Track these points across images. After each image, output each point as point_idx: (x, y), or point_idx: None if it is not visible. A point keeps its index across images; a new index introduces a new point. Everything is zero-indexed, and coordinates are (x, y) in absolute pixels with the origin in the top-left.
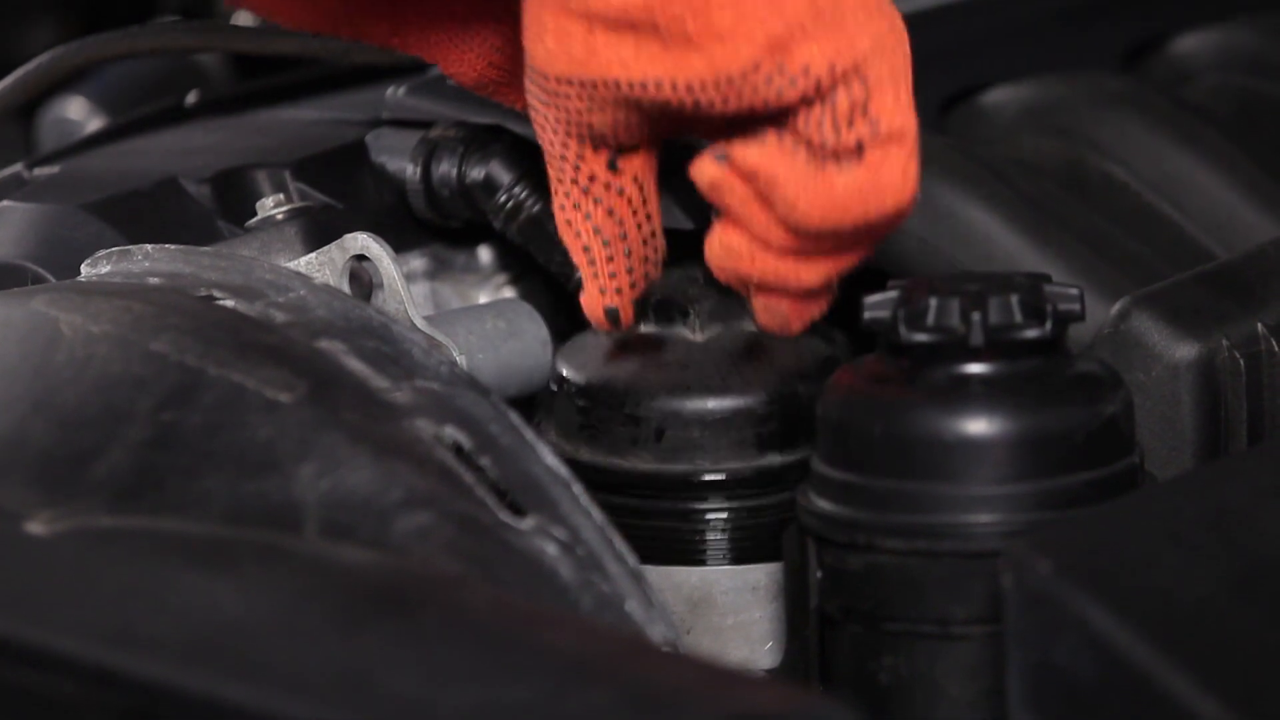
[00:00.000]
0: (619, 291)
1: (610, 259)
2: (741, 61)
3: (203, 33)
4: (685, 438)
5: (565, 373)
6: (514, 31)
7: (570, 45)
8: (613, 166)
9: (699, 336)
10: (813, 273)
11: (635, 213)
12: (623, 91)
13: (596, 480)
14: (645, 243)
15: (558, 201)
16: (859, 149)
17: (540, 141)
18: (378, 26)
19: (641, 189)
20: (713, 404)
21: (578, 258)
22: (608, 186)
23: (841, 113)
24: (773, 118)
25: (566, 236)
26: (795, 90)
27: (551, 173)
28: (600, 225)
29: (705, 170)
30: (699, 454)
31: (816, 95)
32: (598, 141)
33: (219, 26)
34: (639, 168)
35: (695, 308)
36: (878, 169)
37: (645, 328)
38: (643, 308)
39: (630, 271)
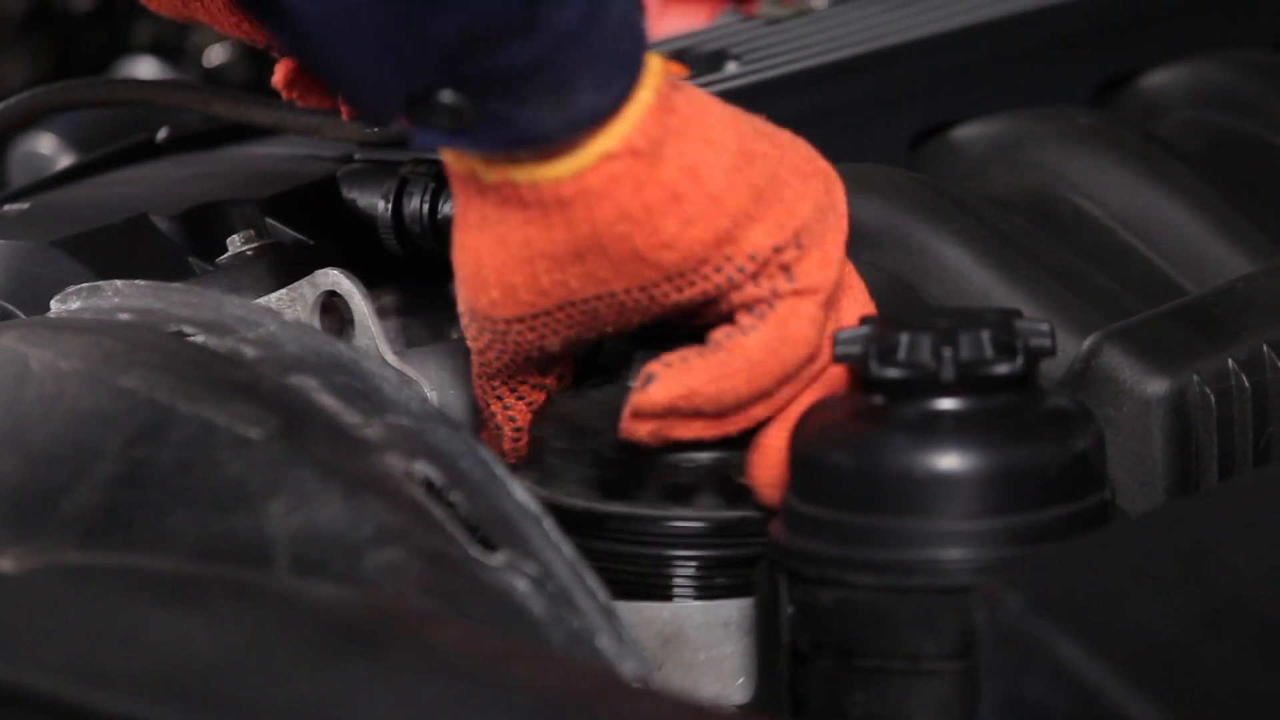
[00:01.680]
0: (515, 452)
1: (515, 438)
2: (692, 260)
3: (182, 92)
4: (658, 485)
5: (541, 421)
6: None
7: (516, 290)
8: (543, 373)
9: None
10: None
11: (548, 400)
12: (578, 308)
13: (569, 524)
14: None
15: (478, 384)
16: (769, 299)
17: (475, 360)
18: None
19: (561, 379)
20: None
21: (487, 420)
22: (534, 386)
23: (768, 273)
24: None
25: (480, 400)
26: (744, 275)
27: (478, 369)
28: (515, 414)
29: (638, 432)
30: (672, 502)
31: (760, 269)
32: (539, 360)
33: (196, 88)
34: (565, 366)
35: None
36: (784, 323)
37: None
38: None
39: (527, 444)
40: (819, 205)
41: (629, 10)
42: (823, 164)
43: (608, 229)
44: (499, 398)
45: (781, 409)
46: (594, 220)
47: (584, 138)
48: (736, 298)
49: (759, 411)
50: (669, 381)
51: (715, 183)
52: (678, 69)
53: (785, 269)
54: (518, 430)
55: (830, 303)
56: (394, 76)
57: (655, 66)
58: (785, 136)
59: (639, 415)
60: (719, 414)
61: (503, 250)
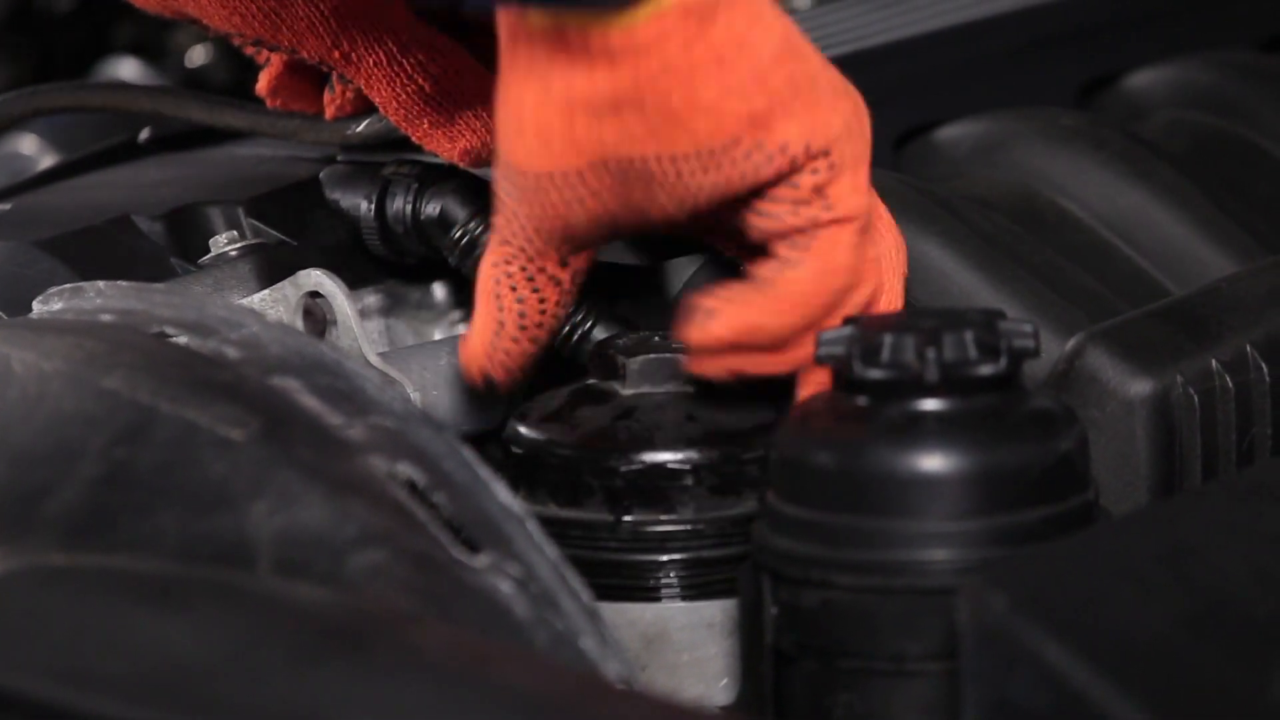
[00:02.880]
0: (505, 367)
1: (515, 338)
2: (724, 135)
3: (156, 97)
4: (642, 489)
5: (521, 429)
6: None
7: (551, 139)
8: (563, 262)
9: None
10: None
11: (559, 302)
12: (609, 172)
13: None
14: (555, 320)
15: (492, 273)
16: (809, 230)
17: (497, 228)
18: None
19: (574, 280)
20: (670, 456)
21: (485, 321)
22: (550, 277)
23: (802, 193)
24: (743, 199)
25: (482, 299)
26: (771, 167)
27: (499, 251)
28: (526, 309)
29: (709, 368)
30: (655, 506)
31: (789, 172)
32: (562, 239)
33: (171, 92)
34: (583, 261)
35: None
36: (826, 254)
37: (591, 381)
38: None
39: (531, 341)
40: (849, 124)
41: None
42: (854, 90)
43: (650, 82)
44: (512, 286)
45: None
46: (638, 72)
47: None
48: (772, 225)
49: (810, 345)
50: (729, 316)
51: (761, 60)
52: None
53: (820, 193)
54: (522, 330)
55: (865, 228)
56: None
57: None
58: (821, 56)
59: (704, 350)
60: (776, 347)
61: (544, 95)
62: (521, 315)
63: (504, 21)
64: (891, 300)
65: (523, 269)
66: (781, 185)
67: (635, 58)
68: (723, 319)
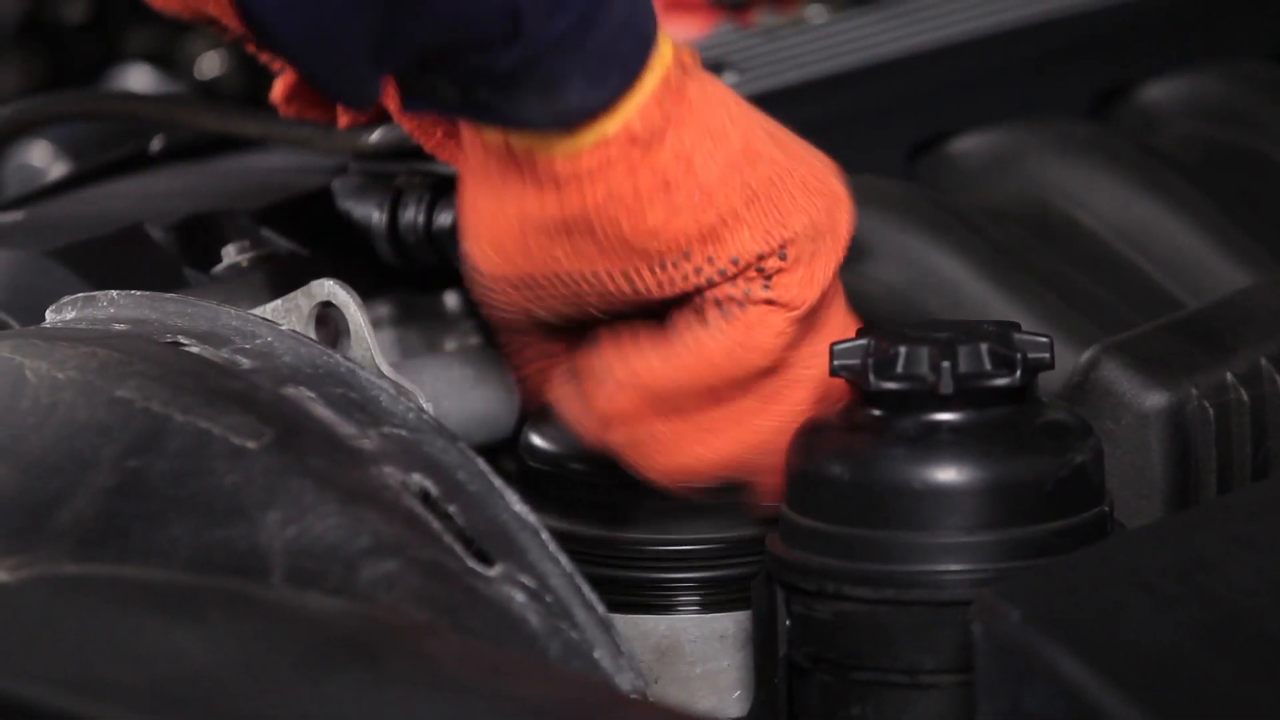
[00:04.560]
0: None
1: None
2: (674, 254)
3: (167, 105)
4: (654, 508)
5: (536, 443)
6: None
7: (505, 250)
8: (547, 338)
9: None
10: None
11: (570, 345)
12: (563, 282)
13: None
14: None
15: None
16: (741, 302)
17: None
18: None
19: (570, 352)
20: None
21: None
22: (540, 352)
23: (748, 278)
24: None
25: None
26: (725, 278)
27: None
28: (529, 375)
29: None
30: (668, 524)
31: (741, 273)
32: (534, 327)
33: (184, 101)
34: (572, 339)
35: None
36: (749, 330)
37: None
38: None
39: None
40: (815, 223)
41: (632, 10)
42: (835, 186)
43: (597, 211)
44: (507, 356)
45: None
46: (585, 200)
47: (583, 124)
48: (709, 292)
49: (743, 432)
50: (628, 381)
51: (709, 176)
52: (689, 57)
53: (765, 276)
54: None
55: (806, 321)
56: (371, 72)
57: (667, 53)
58: (802, 148)
59: (609, 424)
60: (674, 410)
61: (499, 210)
62: (523, 379)
63: (464, 126)
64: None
65: (510, 343)
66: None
67: (580, 185)
68: (625, 380)
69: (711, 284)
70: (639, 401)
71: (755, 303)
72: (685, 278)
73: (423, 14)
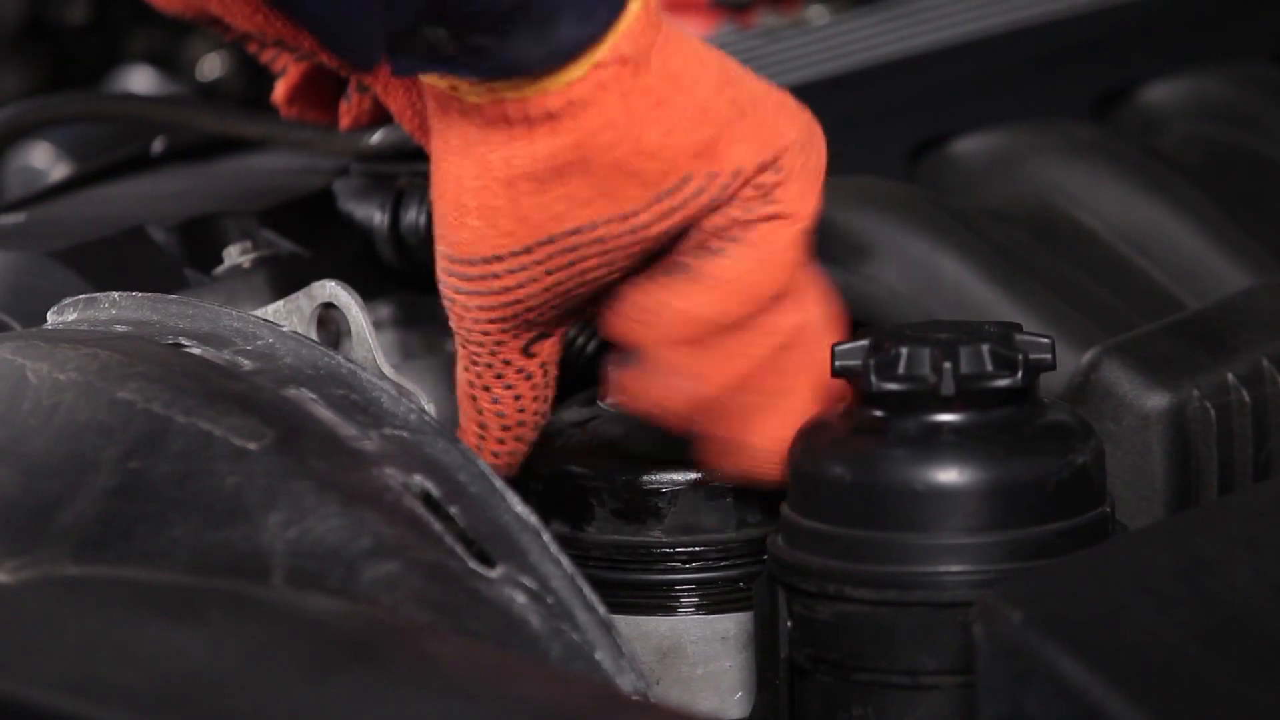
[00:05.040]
0: (496, 455)
1: (501, 439)
2: (675, 176)
3: (169, 107)
4: (659, 509)
5: (542, 448)
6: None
7: (497, 219)
8: (527, 353)
9: None
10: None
11: (537, 397)
12: (558, 245)
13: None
14: (537, 415)
15: (464, 376)
16: (748, 222)
17: (454, 327)
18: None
19: (546, 373)
20: (684, 476)
21: (468, 426)
22: (519, 371)
23: (746, 197)
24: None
25: (464, 404)
26: (726, 194)
27: (462, 353)
28: (504, 409)
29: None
30: (671, 526)
31: (742, 189)
32: (519, 325)
33: (186, 102)
34: (550, 352)
35: None
36: (764, 244)
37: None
38: None
39: (518, 440)
40: (801, 135)
41: None
42: (806, 111)
43: (591, 139)
44: (485, 387)
45: (761, 355)
46: (579, 130)
47: (570, 60)
48: (708, 223)
49: (745, 356)
50: (657, 314)
51: (701, 92)
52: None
53: (765, 193)
54: (505, 429)
55: (808, 236)
56: (376, 15)
57: None
58: (766, 82)
59: (654, 353)
60: (714, 350)
61: (485, 171)
62: (501, 415)
63: (432, 100)
64: (822, 365)
65: (489, 366)
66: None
67: (575, 116)
68: (654, 313)
69: (715, 205)
70: (666, 337)
71: (762, 219)
72: (685, 202)
73: None
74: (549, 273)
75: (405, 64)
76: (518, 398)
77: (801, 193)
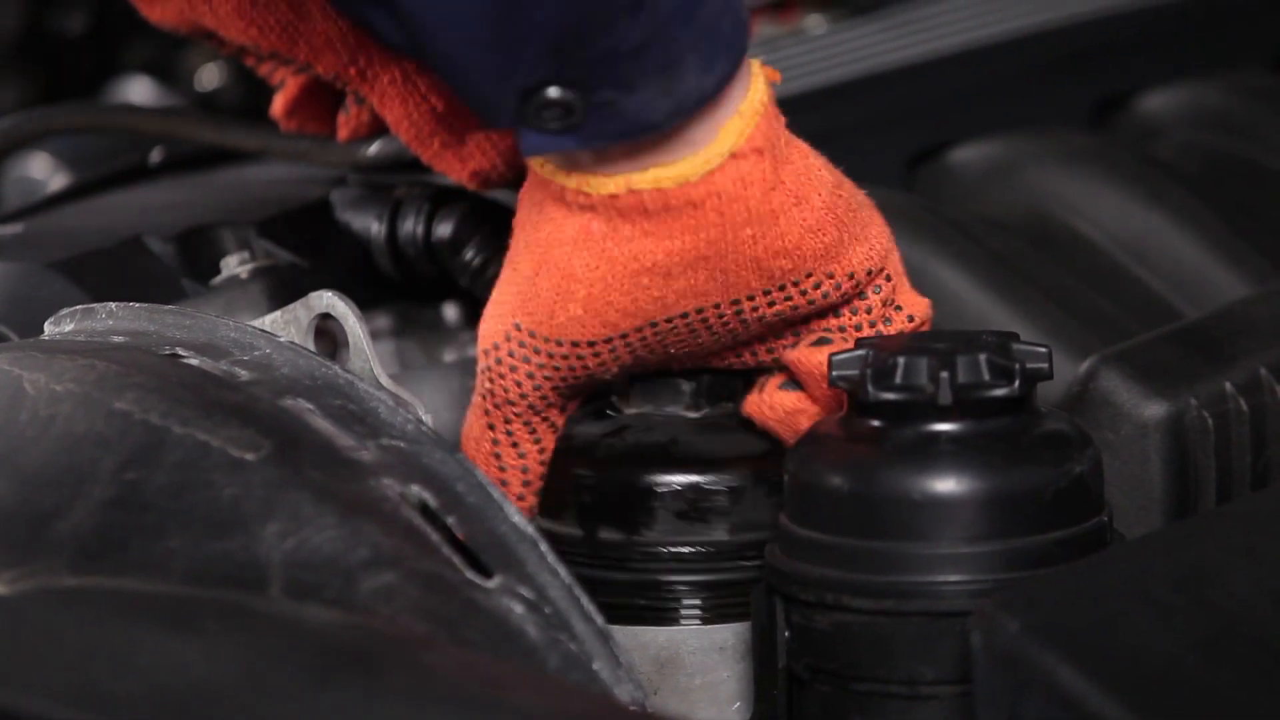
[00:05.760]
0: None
1: (520, 494)
2: (798, 273)
3: (166, 118)
4: (660, 511)
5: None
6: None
7: (607, 312)
8: (563, 409)
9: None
10: None
11: (554, 443)
12: (659, 329)
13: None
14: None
15: (488, 435)
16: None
17: (497, 390)
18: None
19: (565, 418)
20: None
21: (490, 474)
22: (551, 426)
23: (876, 308)
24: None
25: (484, 461)
26: (839, 293)
27: (501, 413)
28: (528, 463)
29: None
30: (672, 528)
31: (854, 295)
32: (576, 391)
33: (184, 114)
34: (576, 402)
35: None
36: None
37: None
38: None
39: (535, 494)
40: (889, 240)
41: None
42: (879, 214)
43: (734, 232)
44: (514, 444)
45: None
46: (724, 223)
47: (698, 138)
48: (823, 324)
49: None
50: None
51: (828, 193)
52: (773, 74)
53: (889, 305)
54: (528, 482)
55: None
56: (503, 66)
57: (756, 67)
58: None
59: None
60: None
61: (605, 266)
62: (524, 470)
63: (544, 185)
64: None
65: (527, 424)
66: (845, 308)
67: (720, 208)
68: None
69: (825, 303)
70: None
71: (887, 318)
72: (802, 294)
73: None
74: (633, 351)
75: (534, 141)
76: (542, 450)
77: (913, 291)
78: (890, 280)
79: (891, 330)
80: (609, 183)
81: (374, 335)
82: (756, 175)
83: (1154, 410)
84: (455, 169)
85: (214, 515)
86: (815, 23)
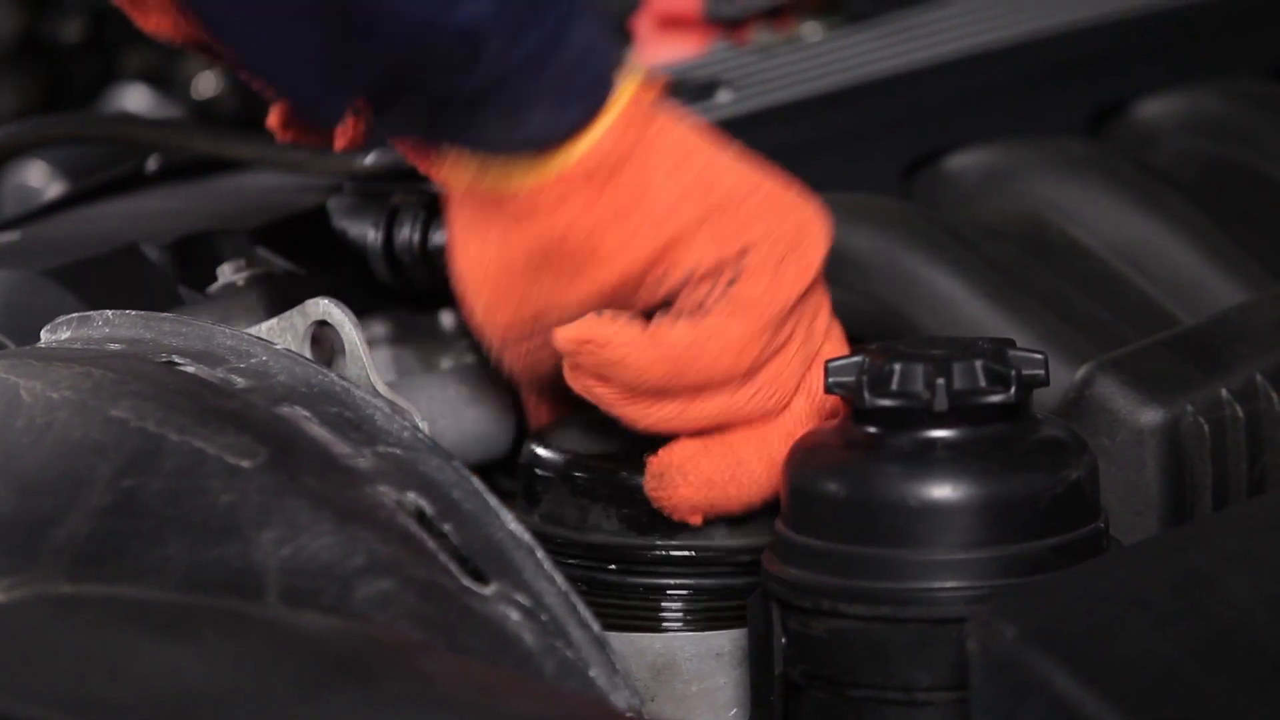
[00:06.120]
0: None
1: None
2: (631, 278)
3: (162, 129)
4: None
5: (539, 451)
6: None
7: (496, 290)
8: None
9: None
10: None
11: None
12: (536, 323)
13: (562, 553)
14: None
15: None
16: (706, 306)
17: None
18: None
19: None
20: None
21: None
22: (558, 401)
23: (704, 288)
24: None
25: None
26: (680, 287)
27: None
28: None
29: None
30: (664, 530)
31: (703, 280)
32: (551, 381)
33: (180, 125)
34: None
35: None
36: (712, 329)
37: None
38: None
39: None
40: (778, 235)
41: (594, 38)
42: (805, 207)
43: (558, 244)
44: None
45: (698, 428)
46: (545, 231)
47: (548, 150)
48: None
49: (665, 412)
50: (585, 324)
51: (663, 203)
52: (653, 90)
53: (729, 282)
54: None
55: (770, 330)
56: (333, 93)
57: (629, 88)
58: (769, 175)
59: (561, 336)
60: (628, 389)
61: (484, 254)
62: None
63: (441, 173)
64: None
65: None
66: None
67: (548, 218)
68: (580, 324)
69: (670, 297)
70: (615, 386)
71: (715, 309)
72: (645, 288)
73: (378, 39)
74: (547, 346)
75: (386, 128)
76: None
77: (768, 287)
78: (738, 268)
79: (709, 312)
80: (466, 177)
81: (370, 342)
82: (578, 194)
83: (1150, 416)
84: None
85: (210, 522)
86: (812, 30)
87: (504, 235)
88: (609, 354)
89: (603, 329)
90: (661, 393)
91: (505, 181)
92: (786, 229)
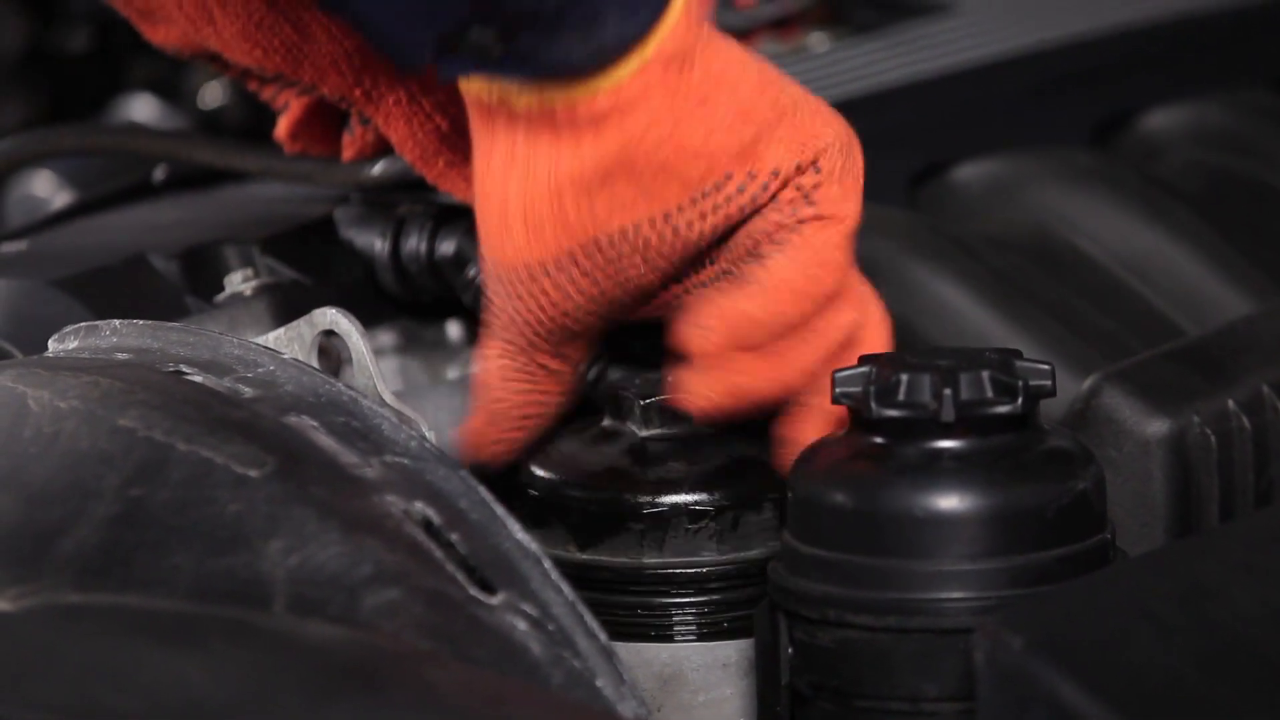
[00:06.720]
0: (496, 444)
1: (518, 428)
2: (716, 175)
3: (169, 140)
4: (655, 531)
5: (535, 470)
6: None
7: (542, 227)
8: (559, 354)
9: (646, 431)
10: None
11: (563, 395)
12: (603, 252)
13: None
14: (552, 413)
15: (490, 365)
16: (792, 225)
17: (490, 324)
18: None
19: (577, 376)
20: (685, 498)
21: (480, 410)
22: (550, 373)
23: (788, 200)
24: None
25: (483, 391)
26: (766, 194)
27: (494, 346)
28: (526, 406)
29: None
30: (669, 547)
31: (782, 190)
32: (558, 330)
33: (186, 136)
34: (579, 358)
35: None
36: (810, 246)
37: (606, 422)
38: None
39: (521, 431)
40: (840, 138)
41: None
42: (841, 118)
43: (637, 141)
44: (508, 380)
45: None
46: (625, 132)
47: (622, 56)
48: (754, 228)
49: (803, 356)
50: (722, 314)
51: (743, 93)
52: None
53: (805, 195)
54: (526, 415)
55: (852, 237)
56: (422, 15)
57: None
58: (799, 85)
59: (704, 358)
60: (770, 346)
61: (530, 183)
62: (520, 406)
63: (476, 114)
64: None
65: (522, 367)
66: (768, 208)
67: (622, 118)
68: (716, 318)
69: (755, 206)
70: (727, 343)
71: (805, 221)
72: (729, 199)
73: None
74: (590, 278)
75: (452, 67)
76: (544, 393)
77: (843, 194)
78: (819, 172)
79: (789, 214)
80: (523, 99)
81: (377, 352)
82: (659, 82)
83: (1157, 428)
84: (460, 188)
85: (217, 532)
86: (818, 40)
87: (573, 150)
88: (747, 330)
89: (710, 302)
90: (782, 332)
91: (572, 92)
92: (843, 134)
